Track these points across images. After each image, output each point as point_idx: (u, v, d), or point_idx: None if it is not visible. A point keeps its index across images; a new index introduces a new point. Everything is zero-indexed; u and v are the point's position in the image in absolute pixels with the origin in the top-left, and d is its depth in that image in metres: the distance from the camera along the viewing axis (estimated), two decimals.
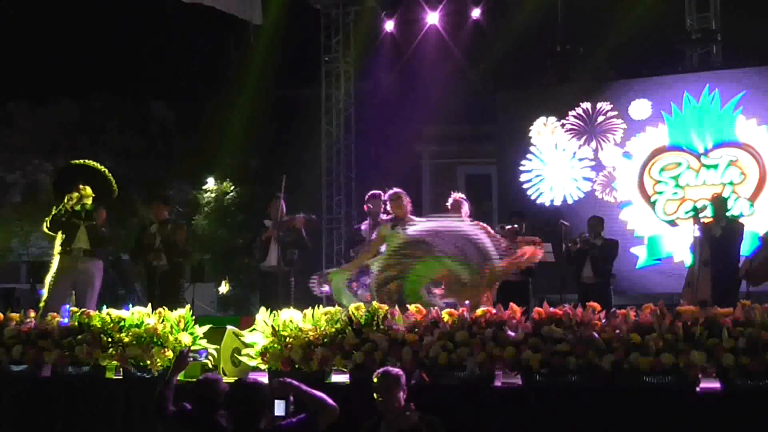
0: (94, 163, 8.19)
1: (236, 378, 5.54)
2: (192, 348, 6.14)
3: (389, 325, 5.75)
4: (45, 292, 7.75)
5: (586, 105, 12.97)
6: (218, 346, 6.51)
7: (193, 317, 6.47)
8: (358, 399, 5.01)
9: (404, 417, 4.69)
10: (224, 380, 4.88)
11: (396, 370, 4.87)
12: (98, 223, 7.97)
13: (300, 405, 4.44)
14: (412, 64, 15.78)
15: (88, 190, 7.94)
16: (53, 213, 7.87)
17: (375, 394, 4.75)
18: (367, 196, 8.82)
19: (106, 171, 8.16)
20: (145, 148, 17.54)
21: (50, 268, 7.85)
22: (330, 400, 4.38)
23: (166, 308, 6.55)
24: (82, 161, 8.26)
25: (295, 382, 4.49)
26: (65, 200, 7.80)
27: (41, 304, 7.56)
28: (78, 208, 7.88)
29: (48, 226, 7.91)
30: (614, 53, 13.41)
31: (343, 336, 5.82)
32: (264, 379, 5.57)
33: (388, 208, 7.49)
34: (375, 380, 4.79)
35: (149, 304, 6.80)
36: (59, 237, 7.86)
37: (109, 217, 8.61)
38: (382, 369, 4.89)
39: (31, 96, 17.35)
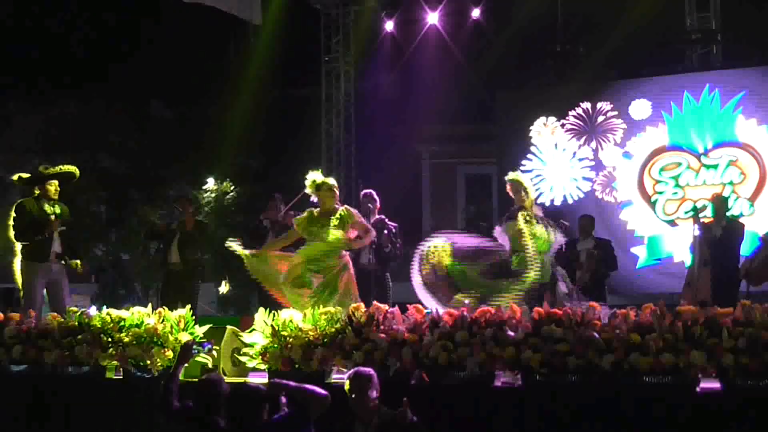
0: (46, 169, 8.06)
1: (236, 379, 5.55)
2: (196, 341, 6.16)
3: (389, 325, 5.75)
4: (21, 296, 7.79)
5: (586, 105, 12.95)
6: (218, 347, 6.51)
7: (193, 317, 6.47)
8: None
9: (400, 414, 4.69)
10: (225, 381, 4.91)
11: (367, 370, 4.88)
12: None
13: (293, 401, 4.67)
14: (412, 64, 15.77)
15: (55, 184, 7.92)
16: (15, 222, 7.80)
17: (348, 394, 4.78)
18: (362, 195, 8.83)
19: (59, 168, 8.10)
20: (145, 148, 17.49)
21: (17, 270, 7.86)
22: (320, 390, 4.64)
23: (166, 309, 6.55)
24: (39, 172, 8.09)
25: (284, 381, 4.81)
26: (48, 223, 7.76)
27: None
28: (50, 213, 7.86)
29: (15, 235, 7.84)
30: (614, 53, 13.41)
31: (343, 336, 5.83)
32: (264, 379, 5.59)
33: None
34: (347, 381, 4.82)
35: (160, 304, 6.78)
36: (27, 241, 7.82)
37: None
38: (353, 369, 4.94)
39: (31, 95, 17.33)
